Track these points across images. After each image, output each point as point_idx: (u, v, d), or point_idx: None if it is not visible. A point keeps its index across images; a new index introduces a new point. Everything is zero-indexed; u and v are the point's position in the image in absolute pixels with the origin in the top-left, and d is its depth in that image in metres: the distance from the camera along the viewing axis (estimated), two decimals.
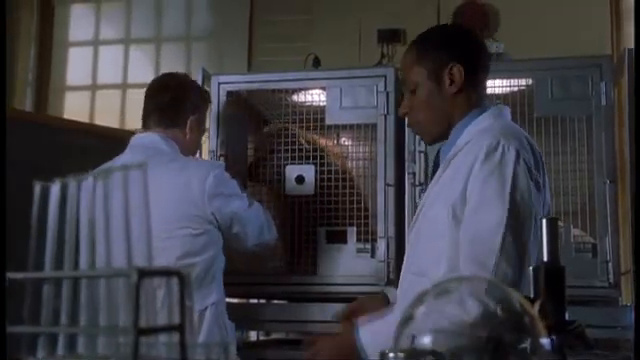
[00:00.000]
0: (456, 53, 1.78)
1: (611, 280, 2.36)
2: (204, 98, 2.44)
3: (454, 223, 1.63)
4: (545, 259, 1.09)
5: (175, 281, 0.64)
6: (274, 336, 3.17)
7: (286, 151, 2.58)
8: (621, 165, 2.50)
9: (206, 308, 2.15)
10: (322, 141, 2.66)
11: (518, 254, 1.56)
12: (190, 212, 2.16)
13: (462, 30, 1.89)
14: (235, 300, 2.88)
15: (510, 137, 1.66)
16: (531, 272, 1.09)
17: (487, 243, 1.55)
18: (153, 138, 2.29)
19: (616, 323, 2.35)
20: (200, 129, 2.40)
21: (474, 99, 1.79)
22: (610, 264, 2.36)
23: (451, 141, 1.79)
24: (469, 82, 1.78)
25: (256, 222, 2.30)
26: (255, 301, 2.99)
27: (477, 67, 1.82)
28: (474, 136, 1.71)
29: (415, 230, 1.79)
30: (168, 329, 0.62)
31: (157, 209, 2.16)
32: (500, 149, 1.63)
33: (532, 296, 1.08)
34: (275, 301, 2.81)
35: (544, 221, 1.10)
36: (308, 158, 2.57)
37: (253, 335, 3.48)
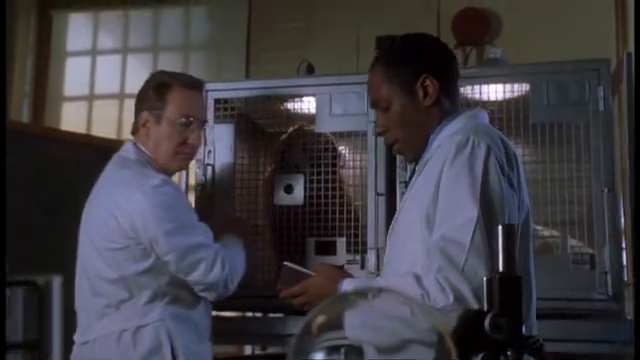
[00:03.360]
0: (426, 64, 1.74)
1: (610, 292, 2.27)
2: (162, 82, 2.23)
3: (427, 228, 1.58)
4: (500, 268, 1.02)
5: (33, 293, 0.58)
6: (270, 350, 3.12)
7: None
8: (621, 173, 2.42)
9: (145, 326, 2.05)
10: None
11: (490, 250, 1.50)
12: (111, 225, 2.07)
13: (427, 39, 1.83)
14: (232, 314, 2.84)
15: (481, 133, 1.62)
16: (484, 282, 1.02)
17: (457, 239, 1.51)
18: (127, 146, 2.25)
19: (616, 338, 2.26)
20: (162, 119, 2.19)
21: (448, 107, 1.75)
22: (609, 276, 2.28)
23: (427, 147, 1.74)
24: (443, 91, 1.73)
25: (187, 255, 2.07)
26: (250, 315, 2.94)
27: (449, 75, 1.77)
28: (446, 138, 1.66)
29: (392, 236, 1.75)
30: (19, 346, 0.56)
31: (92, 221, 2.11)
32: (470, 145, 1.59)
33: (485, 308, 1.01)
34: (271, 315, 2.75)
35: (499, 227, 1.03)
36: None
37: (248, 349, 3.44)
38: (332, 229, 2.48)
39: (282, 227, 2.53)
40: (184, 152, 2.24)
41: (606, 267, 2.28)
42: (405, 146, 1.77)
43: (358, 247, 2.45)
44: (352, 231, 2.46)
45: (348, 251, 2.45)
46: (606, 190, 2.31)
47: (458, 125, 1.70)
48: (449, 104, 1.75)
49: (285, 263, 1.77)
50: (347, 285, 1.65)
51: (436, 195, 1.59)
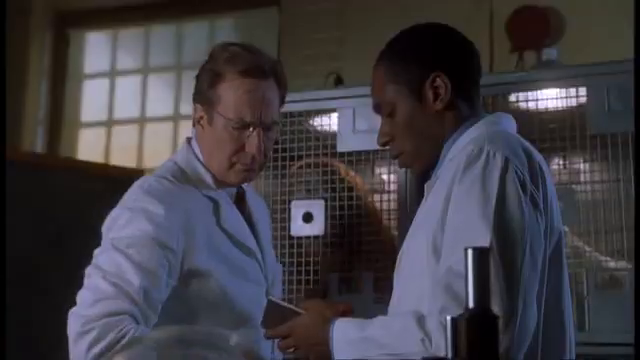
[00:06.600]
0: (437, 60, 1.52)
1: None
2: (214, 69, 1.75)
3: (434, 258, 1.39)
4: (470, 304, 0.83)
5: None
6: None
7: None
8: None
9: None
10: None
11: (506, 285, 1.29)
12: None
13: (439, 29, 1.59)
14: None
15: (498, 142, 1.41)
16: (457, 319, 0.83)
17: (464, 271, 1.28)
18: (182, 147, 1.87)
19: None
20: (214, 119, 1.75)
21: (466, 112, 1.53)
22: None
23: (439, 160, 1.54)
24: (458, 93, 1.51)
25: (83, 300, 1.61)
26: None
27: (466, 72, 1.55)
28: (460, 150, 1.46)
29: (399, 268, 1.56)
30: None
31: None
32: (484, 156, 1.38)
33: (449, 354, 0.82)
34: None
35: (469, 252, 0.85)
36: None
37: None
38: (357, 262, 2.32)
39: (300, 262, 2.37)
40: (241, 162, 1.77)
41: None
42: (412, 158, 1.56)
43: (387, 283, 2.27)
44: (380, 264, 2.28)
45: (376, 288, 2.28)
46: None
47: (475, 133, 1.48)
48: (467, 108, 1.53)
49: (270, 298, 1.59)
50: (339, 326, 1.45)
51: (444, 218, 1.39)
